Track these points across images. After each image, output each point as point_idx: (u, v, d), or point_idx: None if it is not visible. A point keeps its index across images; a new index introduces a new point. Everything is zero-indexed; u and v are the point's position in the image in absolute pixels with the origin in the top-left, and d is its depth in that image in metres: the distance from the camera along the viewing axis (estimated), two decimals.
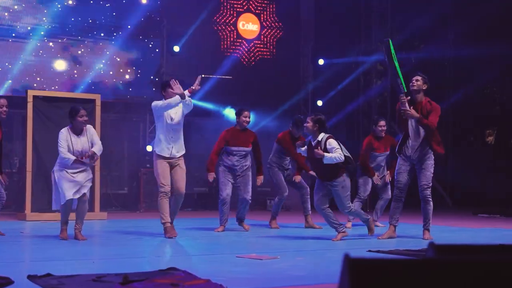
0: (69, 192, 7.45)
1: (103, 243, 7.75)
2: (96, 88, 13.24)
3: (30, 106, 10.76)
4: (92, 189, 11.39)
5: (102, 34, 13.55)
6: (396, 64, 7.59)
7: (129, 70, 13.99)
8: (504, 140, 16.22)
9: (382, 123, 9.45)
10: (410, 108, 7.56)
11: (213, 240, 7.96)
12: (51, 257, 6.28)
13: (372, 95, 16.09)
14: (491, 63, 14.77)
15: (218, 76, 12.91)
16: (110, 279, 4.69)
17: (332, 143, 7.50)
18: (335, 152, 7.42)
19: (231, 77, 10.72)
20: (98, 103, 11.23)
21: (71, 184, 7.52)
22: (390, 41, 7.68)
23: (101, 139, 12.48)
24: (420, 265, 2.08)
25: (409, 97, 7.66)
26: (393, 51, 7.62)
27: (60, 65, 13.17)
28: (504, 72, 15.25)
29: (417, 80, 7.70)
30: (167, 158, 8.08)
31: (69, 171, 7.55)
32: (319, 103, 15.63)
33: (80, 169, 7.59)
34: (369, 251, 6.60)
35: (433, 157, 7.76)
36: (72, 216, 7.64)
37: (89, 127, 7.77)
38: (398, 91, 7.59)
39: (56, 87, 12.94)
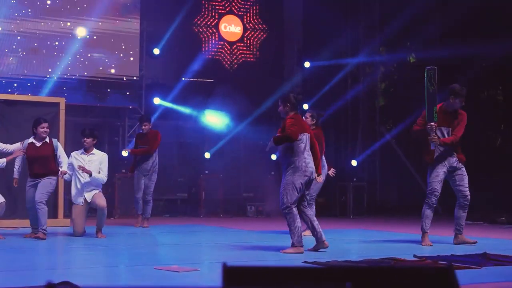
0: None
1: (26, 252, 7.28)
2: (72, 92, 13.00)
3: None
4: (55, 195, 11.21)
5: (78, 36, 13.26)
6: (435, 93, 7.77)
7: (107, 73, 13.68)
8: (508, 143, 15.61)
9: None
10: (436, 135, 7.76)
11: (147, 249, 7.55)
12: None
13: (360, 96, 15.67)
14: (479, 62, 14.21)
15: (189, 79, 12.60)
16: None
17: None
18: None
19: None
20: (62, 106, 10.95)
21: None
22: (436, 69, 7.81)
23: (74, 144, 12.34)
24: None
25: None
26: (435, 81, 7.76)
27: (33, 69, 12.91)
28: (503, 72, 14.63)
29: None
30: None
31: None
32: (305, 106, 15.23)
33: None
34: (305, 262, 6.22)
35: None
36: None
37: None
38: (430, 118, 7.73)
39: (29, 94, 12.65)
